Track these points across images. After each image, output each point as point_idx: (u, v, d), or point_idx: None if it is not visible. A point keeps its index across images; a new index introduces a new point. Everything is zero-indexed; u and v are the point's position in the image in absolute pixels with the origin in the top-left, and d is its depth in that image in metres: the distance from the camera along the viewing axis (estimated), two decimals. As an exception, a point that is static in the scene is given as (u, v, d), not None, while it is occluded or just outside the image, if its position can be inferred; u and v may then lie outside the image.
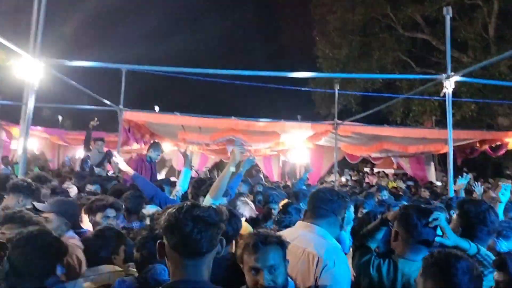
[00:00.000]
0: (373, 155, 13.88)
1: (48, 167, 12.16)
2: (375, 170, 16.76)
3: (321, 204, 2.44)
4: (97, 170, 8.43)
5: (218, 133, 10.37)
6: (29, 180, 3.83)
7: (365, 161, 16.77)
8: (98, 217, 3.46)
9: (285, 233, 2.39)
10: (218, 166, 16.64)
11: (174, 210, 1.64)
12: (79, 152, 14.12)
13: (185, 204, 1.66)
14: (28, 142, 5.88)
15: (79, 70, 7.11)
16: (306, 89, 17.33)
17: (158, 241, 1.68)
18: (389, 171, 16.39)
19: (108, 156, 9.02)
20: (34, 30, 5.34)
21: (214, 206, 1.73)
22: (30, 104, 5.26)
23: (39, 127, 13.02)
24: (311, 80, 19.09)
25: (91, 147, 9.38)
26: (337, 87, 10.08)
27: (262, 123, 9.97)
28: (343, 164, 16.90)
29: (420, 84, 11.54)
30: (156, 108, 11.99)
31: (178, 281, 1.60)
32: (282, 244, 2.04)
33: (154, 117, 10.08)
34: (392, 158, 15.04)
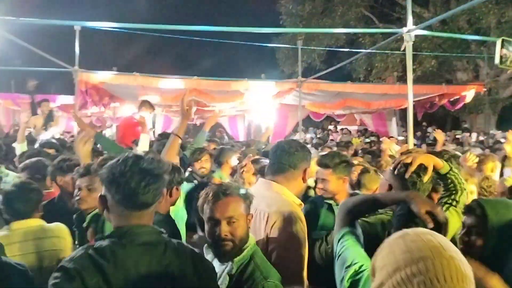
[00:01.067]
0: (337, 112, 14.06)
1: (3, 133, 11.60)
2: (339, 127, 17.02)
3: (279, 158, 2.36)
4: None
5: (181, 93, 10.12)
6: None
7: (329, 118, 16.98)
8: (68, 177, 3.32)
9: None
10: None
11: (118, 162, 1.57)
12: (24, 116, 13.50)
13: (128, 156, 1.59)
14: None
15: (30, 30, 6.68)
16: (270, 45, 17.08)
17: (99, 195, 1.63)
18: (353, 128, 16.69)
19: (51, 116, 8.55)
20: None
21: (157, 157, 1.69)
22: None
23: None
24: (275, 38, 18.83)
25: (38, 112, 8.78)
26: (300, 44, 9.97)
27: (225, 82, 9.79)
28: (308, 123, 17.08)
29: (383, 39, 11.58)
30: (114, 69, 11.50)
31: (124, 227, 1.57)
32: (244, 197, 1.98)
33: (112, 78, 9.65)
34: (355, 115, 15.30)
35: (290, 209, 2.22)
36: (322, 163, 2.94)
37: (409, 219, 1.60)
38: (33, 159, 3.81)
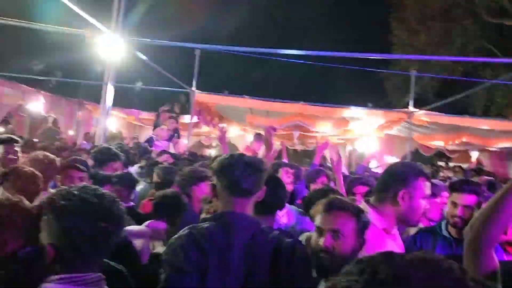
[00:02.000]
0: (450, 147, 13.09)
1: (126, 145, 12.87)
2: (451, 164, 15.78)
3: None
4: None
5: (286, 117, 10.32)
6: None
7: (440, 154, 15.86)
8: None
9: None
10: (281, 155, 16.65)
11: (225, 156, 1.94)
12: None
13: (235, 153, 2.00)
14: (107, 121, 6.25)
15: (154, 50, 7.41)
16: (381, 71, 16.58)
17: (211, 183, 2.01)
18: (466, 166, 15.34)
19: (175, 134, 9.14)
20: (117, 8, 5.59)
21: (257, 157, 2.06)
22: (110, 84, 5.57)
23: (117, 107, 13.79)
24: (384, 67, 18.35)
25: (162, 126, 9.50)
26: (414, 71, 9.57)
27: (330, 109, 9.76)
28: (415, 157, 16.11)
29: (505, 72, 10.62)
30: (226, 92, 12.19)
31: (228, 211, 1.86)
32: (357, 217, 1.93)
33: (224, 100, 10.24)
34: (471, 152, 14.07)
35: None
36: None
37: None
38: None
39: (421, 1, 18.17)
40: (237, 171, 1.85)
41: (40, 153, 3.43)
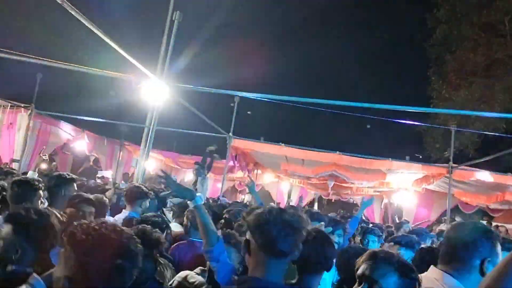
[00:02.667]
0: (492, 206, 12.50)
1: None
2: (493, 223, 14.98)
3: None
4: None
5: (321, 167, 10.26)
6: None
7: (482, 212, 15.13)
8: None
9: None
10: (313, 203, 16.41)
11: (264, 212, 1.80)
12: (188, 176, 14.99)
13: (273, 208, 1.84)
14: (146, 162, 6.42)
15: (195, 95, 7.67)
16: (422, 124, 16.31)
17: (244, 239, 1.86)
18: (510, 226, 14.53)
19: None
20: (163, 56, 5.89)
21: (298, 214, 1.88)
22: (153, 127, 5.78)
23: (155, 149, 14.19)
24: (423, 121, 18.10)
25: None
26: (454, 126, 9.38)
27: (367, 160, 9.63)
28: (455, 213, 15.47)
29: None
30: (262, 138, 12.33)
31: (258, 278, 1.75)
32: (402, 273, 1.83)
33: (260, 147, 10.34)
34: (516, 212, 13.36)
35: None
36: None
37: None
38: None
39: (462, 56, 18.08)
40: (275, 229, 1.73)
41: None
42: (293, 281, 2.31)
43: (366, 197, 5.32)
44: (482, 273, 1.88)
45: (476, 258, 1.91)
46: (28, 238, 2.02)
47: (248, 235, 1.83)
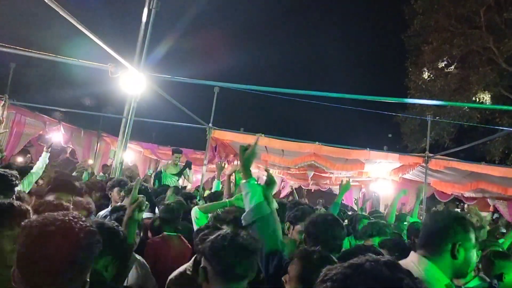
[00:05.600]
0: (467, 194, 12.83)
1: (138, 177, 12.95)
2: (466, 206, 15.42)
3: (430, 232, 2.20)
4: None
5: (301, 157, 10.31)
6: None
7: (457, 200, 15.55)
8: None
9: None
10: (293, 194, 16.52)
11: (217, 238, 1.83)
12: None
13: (227, 233, 1.87)
14: (124, 154, 6.34)
15: (174, 86, 7.59)
16: (398, 114, 16.65)
17: (201, 266, 1.85)
18: (483, 213, 14.96)
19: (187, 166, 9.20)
20: (140, 46, 5.80)
21: (251, 236, 1.91)
22: (130, 118, 5.70)
23: (134, 141, 14.01)
24: (400, 111, 18.41)
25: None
26: (430, 116, 9.55)
27: (346, 150, 9.72)
28: (431, 202, 15.84)
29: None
30: (241, 129, 12.29)
31: None
32: None
33: (240, 137, 10.31)
34: (489, 200, 13.76)
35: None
36: None
37: None
38: None
39: (439, 48, 18.38)
40: (231, 255, 1.76)
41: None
42: None
43: (344, 181, 5.37)
44: (454, 256, 2.00)
45: (448, 243, 2.02)
46: None
47: (203, 263, 1.84)
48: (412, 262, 2.07)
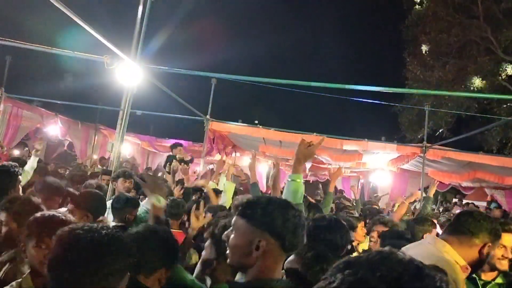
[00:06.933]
0: (464, 184, 12.89)
1: (136, 171, 12.95)
2: (465, 201, 15.49)
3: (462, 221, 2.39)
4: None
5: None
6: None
7: (454, 190, 15.61)
8: None
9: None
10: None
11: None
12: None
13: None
14: (122, 146, 6.32)
15: (171, 78, 7.55)
16: (396, 104, 16.64)
17: (258, 242, 1.68)
18: (481, 203, 15.04)
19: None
20: (137, 37, 5.76)
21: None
22: (127, 110, 5.68)
23: (132, 133, 13.97)
24: (399, 102, 18.39)
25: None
26: (428, 106, 9.54)
27: (343, 141, 9.73)
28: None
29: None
30: (240, 121, 12.28)
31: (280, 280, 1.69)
32: None
33: (238, 129, 10.30)
34: (486, 190, 13.83)
35: (444, 266, 1.99)
36: None
37: None
38: None
39: (437, 38, 18.32)
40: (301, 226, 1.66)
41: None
42: None
43: (333, 169, 5.38)
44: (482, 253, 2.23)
45: (483, 241, 2.24)
46: None
47: (263, 240, 1.59)
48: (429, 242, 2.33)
